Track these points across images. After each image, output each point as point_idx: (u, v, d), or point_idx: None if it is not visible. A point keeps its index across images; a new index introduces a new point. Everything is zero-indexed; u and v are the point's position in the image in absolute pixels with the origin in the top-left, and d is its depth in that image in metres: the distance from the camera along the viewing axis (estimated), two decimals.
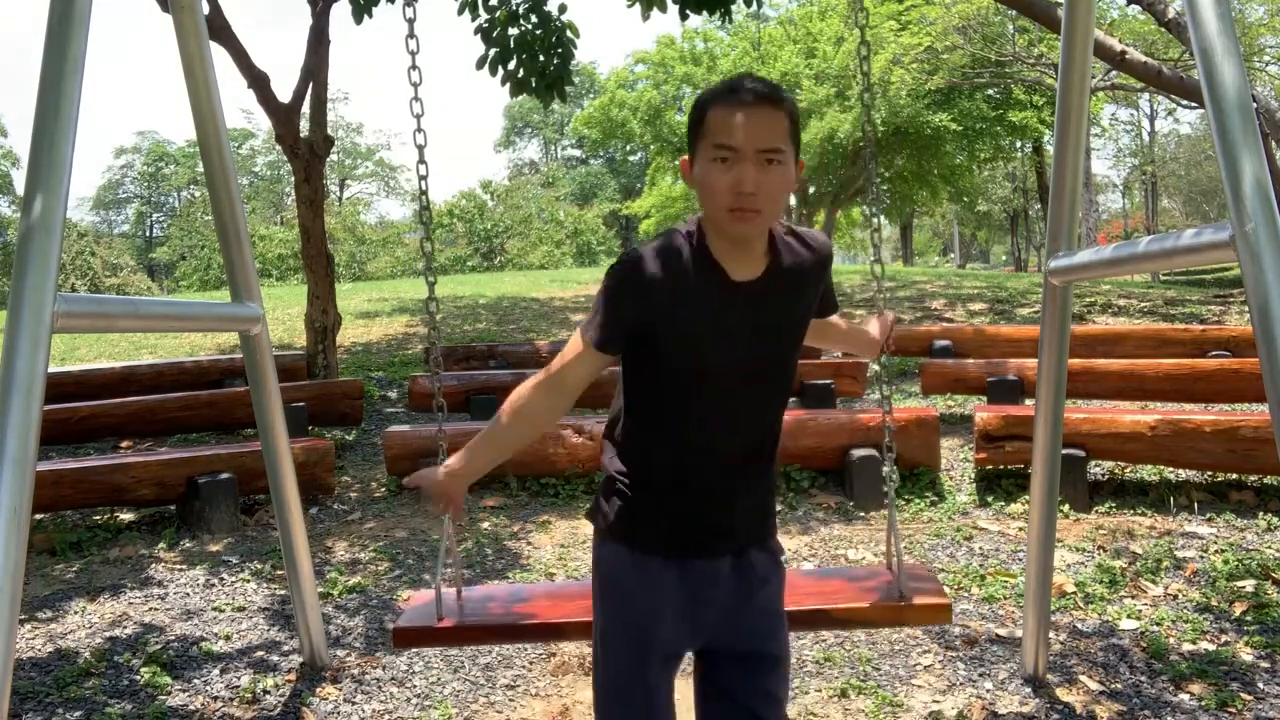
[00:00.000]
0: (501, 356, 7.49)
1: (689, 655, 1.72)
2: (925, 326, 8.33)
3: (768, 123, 1.54)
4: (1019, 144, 25.28)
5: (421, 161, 2.18)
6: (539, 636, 2.14)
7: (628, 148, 34.95)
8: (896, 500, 4.59)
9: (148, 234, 49.57)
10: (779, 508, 4.54)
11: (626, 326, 1.59)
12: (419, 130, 2.19)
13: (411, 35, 2.23)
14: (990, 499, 4.55)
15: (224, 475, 4.51)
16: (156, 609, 3.48)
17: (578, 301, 11.64)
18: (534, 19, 6.50)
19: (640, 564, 1.63)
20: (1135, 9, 10.38)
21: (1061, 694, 2.66)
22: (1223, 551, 3.70)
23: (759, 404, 1.68)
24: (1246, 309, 4.60)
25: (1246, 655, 2.84)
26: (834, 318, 1.95)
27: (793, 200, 28.98)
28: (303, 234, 6.84)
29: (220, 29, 6.04)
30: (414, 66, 2.21)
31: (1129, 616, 3.16)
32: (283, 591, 3.62)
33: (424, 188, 2.19)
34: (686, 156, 1.64)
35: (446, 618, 2.08)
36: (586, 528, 4.07)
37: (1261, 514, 4.12)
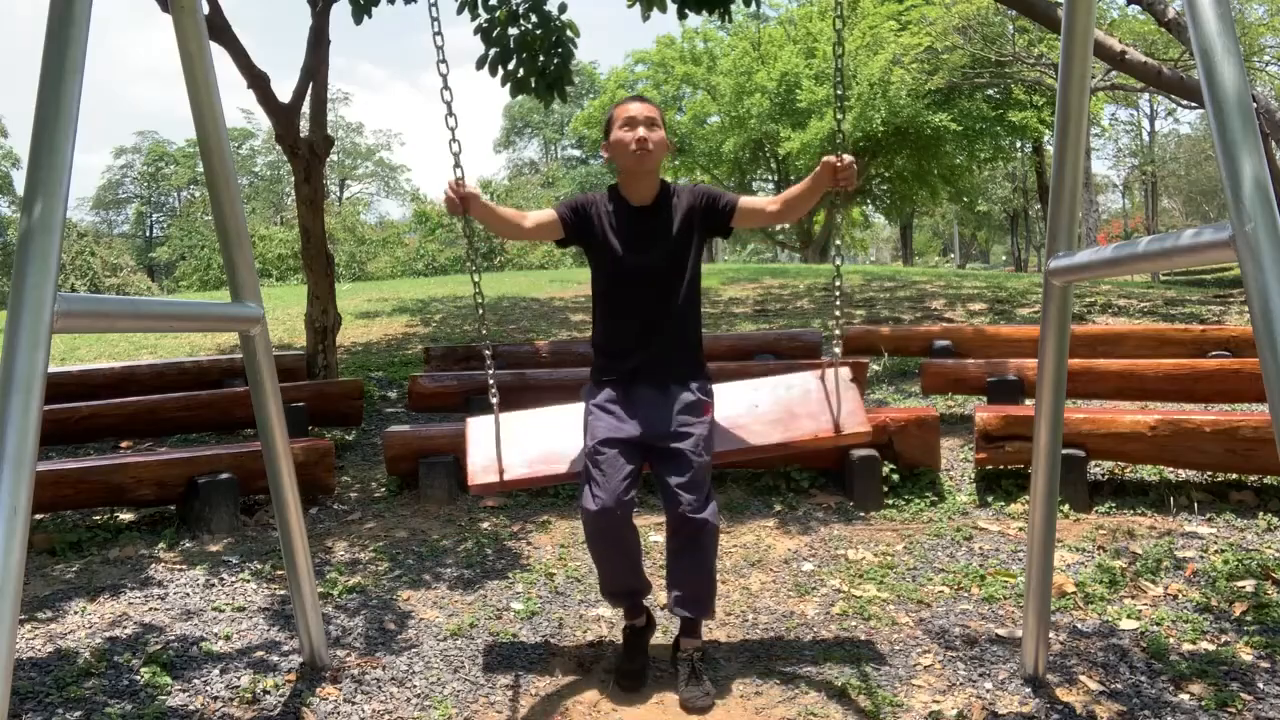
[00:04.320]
0: (502, 357, 7.49)
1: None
2: (925, 326, 8.33)
3: (648, 107, 2.81)
4: (1019, 144, 25.29)
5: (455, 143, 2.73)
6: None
7: None
8: (896, 500, 4.61)
9: (148, 234, 49.55)
10: (778, 507, 4.55)
11: (573, 209, 2.83)
12: (453, 140, 2.70)
13: (438, 33, 2.69)
14: (990, 499, 4.55)
15: (224, 475, 4.51)
16: (156, 609, 3.48)
17: (578, 301, 11.64)
18: (534, 19, 6.50)
19: (600, 388, 2.79)
20: (1135, 9, 10.39)
21: (1061, 694, 2.66)
22: (1223, 551, 3.70)
23: (659, 289, 2.77)
24: (1246, 309, 4.60)
25: (1246, 655, 2.84)
26: (747, 201, 2.84)
27: None
28: (303, 234, 6.84)
29: (220, 29, 6.04)
30: (442, 60, 2.69)
31: (1129, 616, 3.17)
32: (283, 591, 3.62)
33: (457, 157, 2.75)
34: (605, 143, 2.87)
35: (506, 469, 2.83)
36: None
37: (1261, 514, 4.12)
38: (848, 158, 2.60)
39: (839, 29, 2.63)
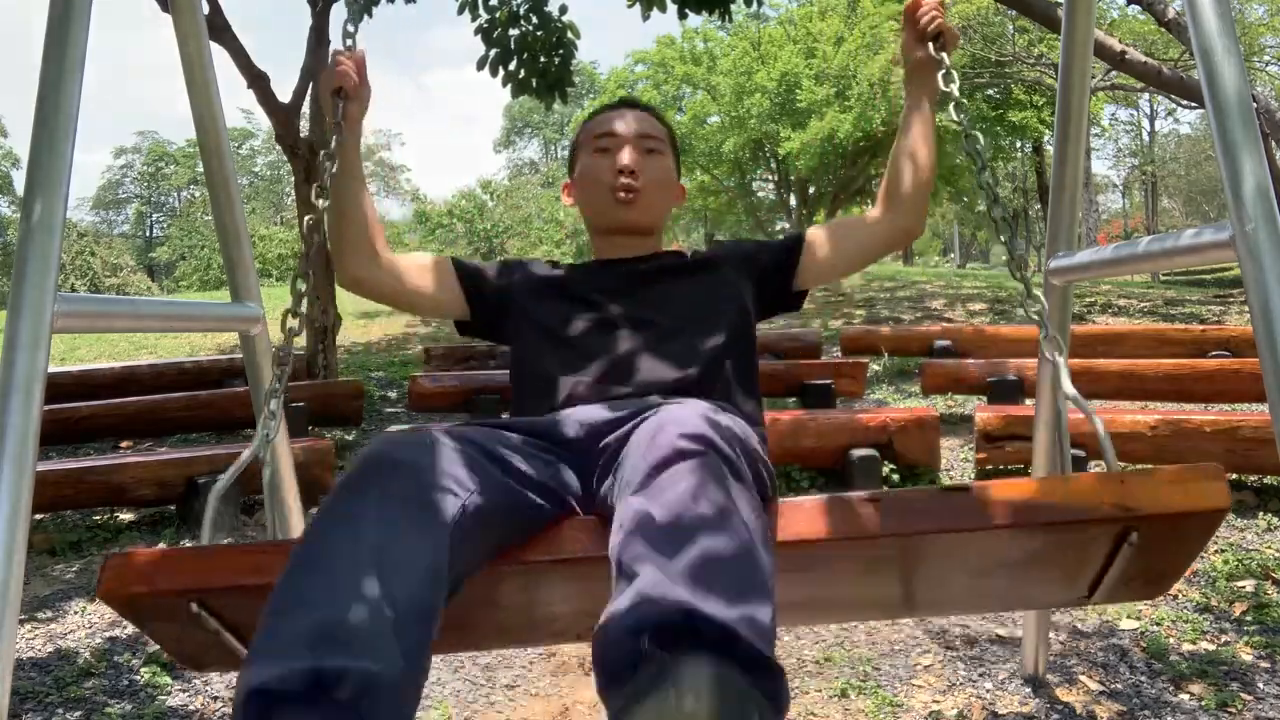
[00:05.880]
0: (502, 357, 7.50)
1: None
2: (925, 326, 8.33)
3: (643, 117, 1.68)
4: (1019, 144, 25.28)
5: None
6: None
7: None
8: None
9: (148, 234, 49.57)
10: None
11: (482, 264, 1.68)
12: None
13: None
14: None
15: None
16: None
17: None
18: (535, 19, 6.51)
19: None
20: (1135, 9, 10.39)
21: (1061, 694, 2.66)
22: (1223, 551, 3.70)
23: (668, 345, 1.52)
24: (1246, 309, 4.60)
25: (1246, 655, 2.84)
26: (822, 229, 1.71)
27: (793, 200, 28.99)
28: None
29: (220, 29, 6.04)
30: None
31: (1129, 616, 3.16)
32: None
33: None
34: (568, 181, 1.74)
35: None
36: None
37: (1261, 514, 4.12)
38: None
39: None
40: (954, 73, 1.65)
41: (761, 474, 1.19)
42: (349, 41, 1.64)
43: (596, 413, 1.33)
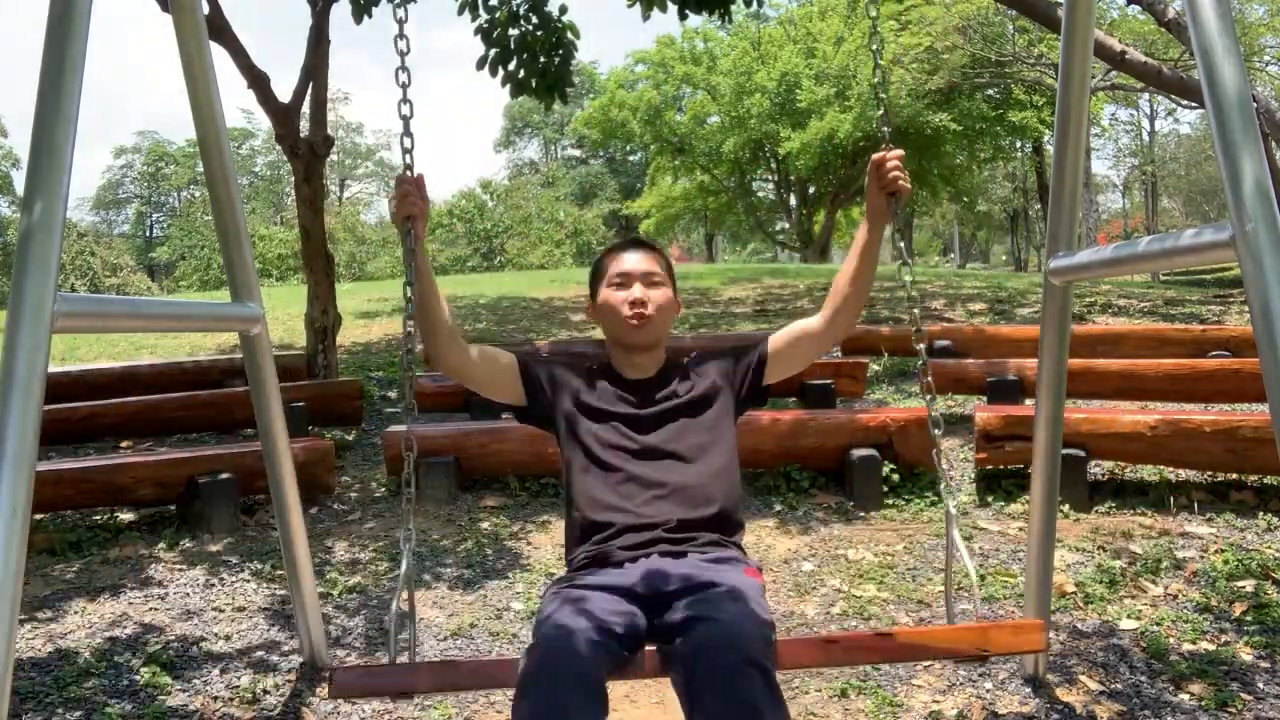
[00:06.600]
0: None
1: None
2: (925, 326, 8.34)
3: (648, 256, 2.13)
4: (1019, 144, 25.29)
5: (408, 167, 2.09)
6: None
7: (628, 148, 34.95)
8: (896, 500, 4.60)
9: (148, 234, 49.55)
10: (778, 507, 4.54)
11: (544, 365, 2.16)
12: (407, 134, 2.12)
13: (402, 35, 2.14)
14: (990, 499, 4.54)
15: (224, 475, 4.50)
16: (156, 609, 3.48)
17: (578, 302, 11.63)
18: (534, 19, 6.51)
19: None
20: (1135, 9, 10.39)
21: (1061, 694, 2.66)
22: (1223, 551, 3.70)
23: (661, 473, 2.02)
24: (1246, 309, 4.60)
25: (1246, 655, 2.84)
26: (780, 337, 2.16)
27: (793, 200, 28.99)
28: (303, 234, 6.84)
29: (220, 29, 6.03)
30: (403, 67, 2.13)
31: (1129, 616, 3.17)
32: (283, 591, 3.62)
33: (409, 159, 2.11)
34: (590, 305, 2.20)
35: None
36: None
37: (1261, 514, 4.12)
38: (895, 151, 2.04)
39: (874, 16, 2.19)
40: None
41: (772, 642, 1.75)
42: (407, 159, 2.07)
43: (655, 575, 1.85)
